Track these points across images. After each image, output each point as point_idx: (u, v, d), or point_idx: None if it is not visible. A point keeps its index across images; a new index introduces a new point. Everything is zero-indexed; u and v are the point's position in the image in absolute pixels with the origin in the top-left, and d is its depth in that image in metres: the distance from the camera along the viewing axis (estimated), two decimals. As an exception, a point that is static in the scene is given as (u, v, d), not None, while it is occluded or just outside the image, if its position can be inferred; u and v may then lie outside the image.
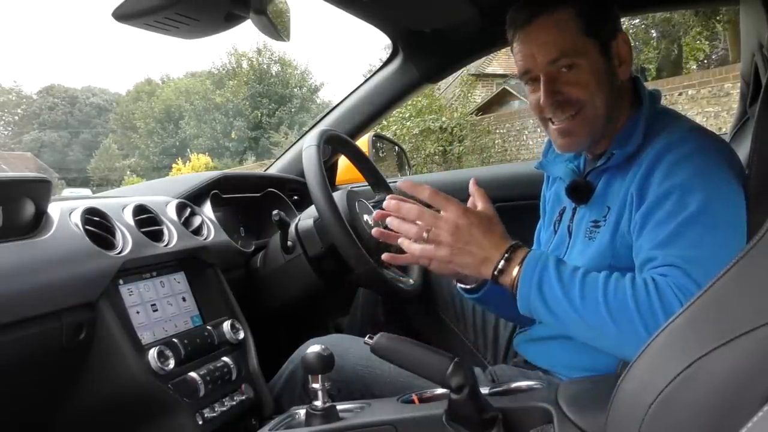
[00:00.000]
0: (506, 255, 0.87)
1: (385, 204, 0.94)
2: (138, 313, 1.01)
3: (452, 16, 1.51)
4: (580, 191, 1.00)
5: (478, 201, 0.95)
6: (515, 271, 0.86)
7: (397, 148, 2.58)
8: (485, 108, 14.05)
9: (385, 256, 0.99)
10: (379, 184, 1.56)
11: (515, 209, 1.91)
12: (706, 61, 14.69)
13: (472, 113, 12.42)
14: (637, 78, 1.01)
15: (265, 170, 1.95)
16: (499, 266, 0.87)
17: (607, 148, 0.98)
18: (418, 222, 0.91)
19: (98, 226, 1.01)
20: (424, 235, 0.90)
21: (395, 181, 1.93)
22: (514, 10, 0.96)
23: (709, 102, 7.81)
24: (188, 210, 1.28)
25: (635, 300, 0.79)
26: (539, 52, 0.94)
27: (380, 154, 2.31)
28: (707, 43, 13.60)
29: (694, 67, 13.70)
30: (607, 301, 0.81)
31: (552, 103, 0.95)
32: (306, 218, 1.36)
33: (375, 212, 0.96)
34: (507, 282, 0.87)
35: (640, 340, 0.61)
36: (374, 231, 1.00)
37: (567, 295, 0.83)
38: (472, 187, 0.96)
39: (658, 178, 0.87)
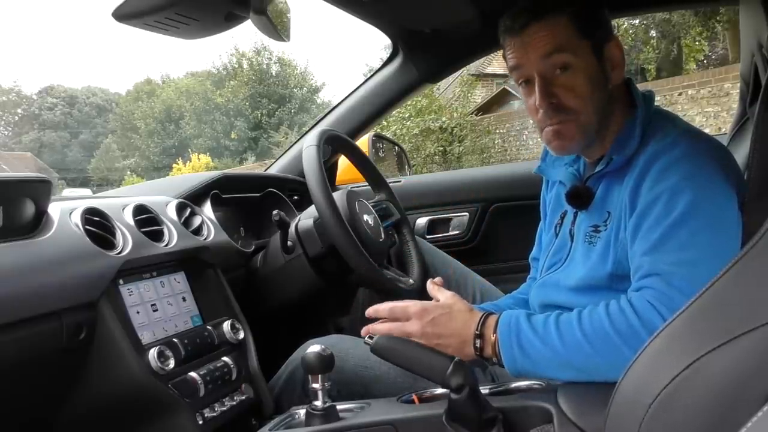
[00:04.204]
0: (477, 332, 0.91)
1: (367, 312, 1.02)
2: (138, 313, 1.01)
3: (452, 16, 1.51)
4: (580, 197, 1.00)
5: (437, 294, 1.01)
6: (492, 340, 0.90)
7: (397, 148, 2.59)
8: (485, 108, 14.04)
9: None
10: (379, 184, 1.56)
11: (515, 209, 1.92)
12: (705, 61, 14.69)
13: (472, 113, 12.42)
14: (630, 80, 1.01)
15: (265, 170, 1.95)
16: (476, 344, 0.91)
17: (604, 152, 0.98)
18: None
19: (98, 226, 1.01)
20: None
21: (395, 181, 1.93)
22: (507, 18, 0.97)
23: (709, 102, 7.80)
24: (188, 210, 1.28)
25: (614, 327, 0.81)
26: (533, 50, 0.93)
27: (380, 154, 2.31)
28: (707, 43, 13.60)
29: (694, 67, 13.69)
30: (586, 336, 0.82)
31: (547, 105, 0.94)
32: (306, 218, 1.36)
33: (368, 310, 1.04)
34: (489, 353, 0.91)
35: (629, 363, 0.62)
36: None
37: (548, 344, 0.85)
38: (429, 287, 1.04)
39: (648, 184, 0.88)
